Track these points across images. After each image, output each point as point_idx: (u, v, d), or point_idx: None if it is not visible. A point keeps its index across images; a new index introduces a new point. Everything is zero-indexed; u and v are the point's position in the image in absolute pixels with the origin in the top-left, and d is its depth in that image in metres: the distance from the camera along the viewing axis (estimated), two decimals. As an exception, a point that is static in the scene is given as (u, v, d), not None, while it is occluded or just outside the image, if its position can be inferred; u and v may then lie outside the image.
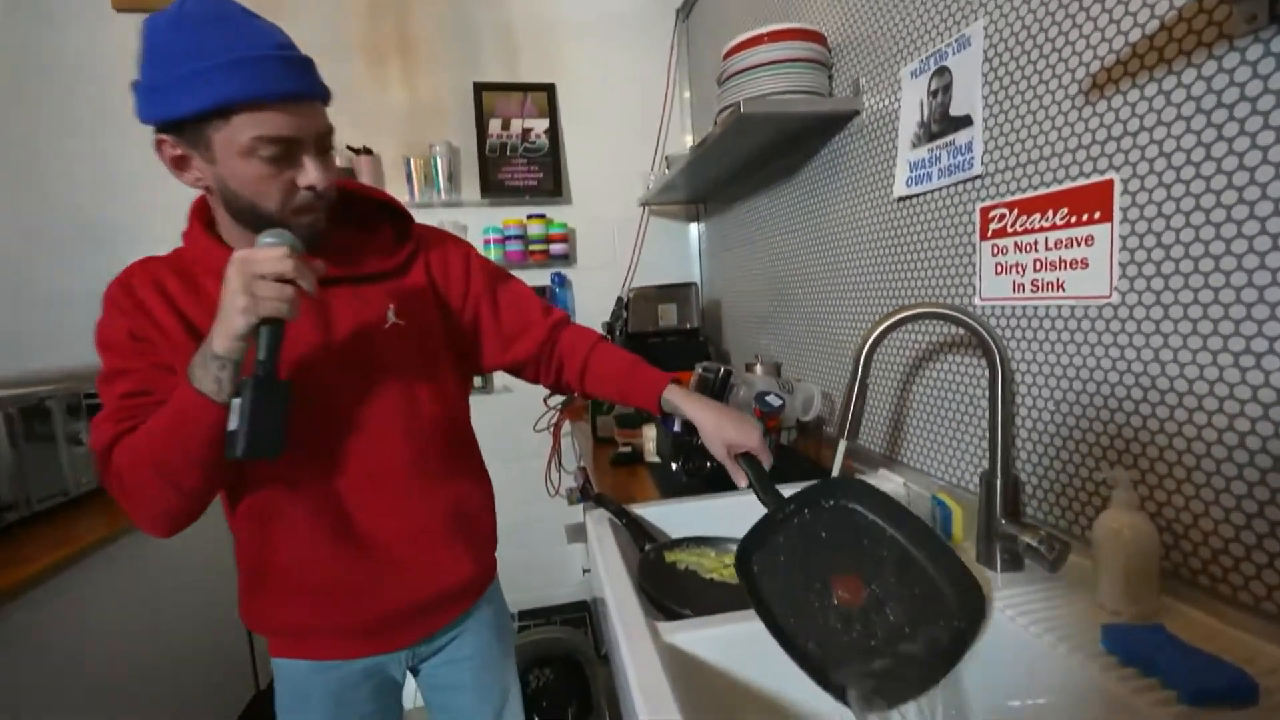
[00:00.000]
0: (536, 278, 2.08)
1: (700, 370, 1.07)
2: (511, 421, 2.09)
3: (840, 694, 0.56)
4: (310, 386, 0.68)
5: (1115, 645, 0.54)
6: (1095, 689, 0.52)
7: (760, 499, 0.72)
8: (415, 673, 0.85)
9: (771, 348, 1.57)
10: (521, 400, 2.09)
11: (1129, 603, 0.60)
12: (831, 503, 0.68)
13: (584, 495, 1.04)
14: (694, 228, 2.22)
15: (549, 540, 2.12)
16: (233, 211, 0.64)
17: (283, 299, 0.56)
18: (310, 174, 0.62)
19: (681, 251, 2.21)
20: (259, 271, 0.56)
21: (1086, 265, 0.68)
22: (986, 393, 0.83)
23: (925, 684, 0.57)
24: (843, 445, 0.78)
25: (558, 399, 2.02)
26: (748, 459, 0.78)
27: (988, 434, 0.71)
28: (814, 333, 1.34)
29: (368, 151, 1.86)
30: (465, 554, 0.79)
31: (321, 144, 0.64)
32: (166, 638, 1.47)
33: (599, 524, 0.95)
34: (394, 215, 0.80)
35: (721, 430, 0.78)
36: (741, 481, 0.77)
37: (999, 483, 0.71)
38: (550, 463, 2.08)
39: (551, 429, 2.04)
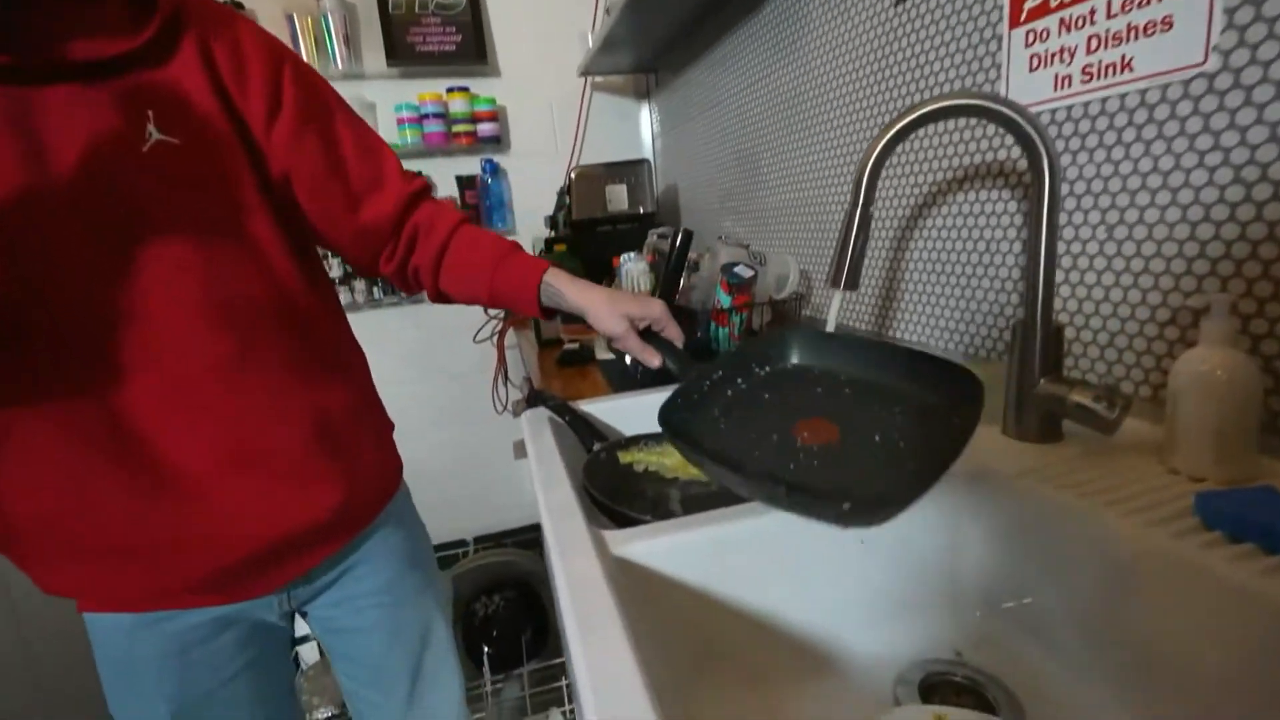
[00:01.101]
0: (464, 166, 1.80)
1: (654, 236, 0.87)
2: (446, 334, 1.87)
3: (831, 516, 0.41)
4: (25, 245, 0.45)
5: (1217, 516, 0.40)
6: (1201, 575, 0.38)
7: (679, 375, 0.60)
8: (304, 614, 0.67)
9: (736, 229, 1.38)
10: (456, 309, 1.87)
11: (1221, 464, 0.45)
12: (766, 369, 0.55)
13: (529, 404, 0.86)
14: (644, 108, 1.95)
15: (499, 461, 1.96)
16: None
17: None
18: None
19: (631, 134, 1.95)
20: None
21: (1170, 25, 0.50)
22: (1016, 223, 0.66)
23: (923, 487, 0.40)
24: (838, 299, 0.60)
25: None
26: (655, 336, 0.66)
27: (1025, 273, 0.55)
28: (786, 202, 1.15)
29: (237, 5, 1.50)
30: (331, 478, 0.58)
31: None
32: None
33: (536, 423, 0.77)
34: None
35: (617, 303, 0.64)
36: (654, 361, 0.65)
37: (1039, 333, 0.55)
38: (496, 378, 1.89)
39: (495, 340, 1.83)
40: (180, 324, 0.49)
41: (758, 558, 0.50)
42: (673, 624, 0.50)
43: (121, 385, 0.48)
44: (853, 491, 0.40)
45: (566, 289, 0.66)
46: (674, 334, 0.66)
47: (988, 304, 0.72)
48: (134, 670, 0.57)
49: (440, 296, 0.70)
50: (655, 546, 0.49)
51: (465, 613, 1.22)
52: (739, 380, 0.55)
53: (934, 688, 0.50)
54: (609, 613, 0.38)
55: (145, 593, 0.54)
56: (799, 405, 0.50)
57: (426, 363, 1.90)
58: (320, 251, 0.66)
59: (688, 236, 0.83)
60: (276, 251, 0.55)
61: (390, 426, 0.71)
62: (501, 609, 1.24)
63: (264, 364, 0.54)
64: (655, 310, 0.65)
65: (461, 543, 1.89)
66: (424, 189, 0.67)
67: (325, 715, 1.04)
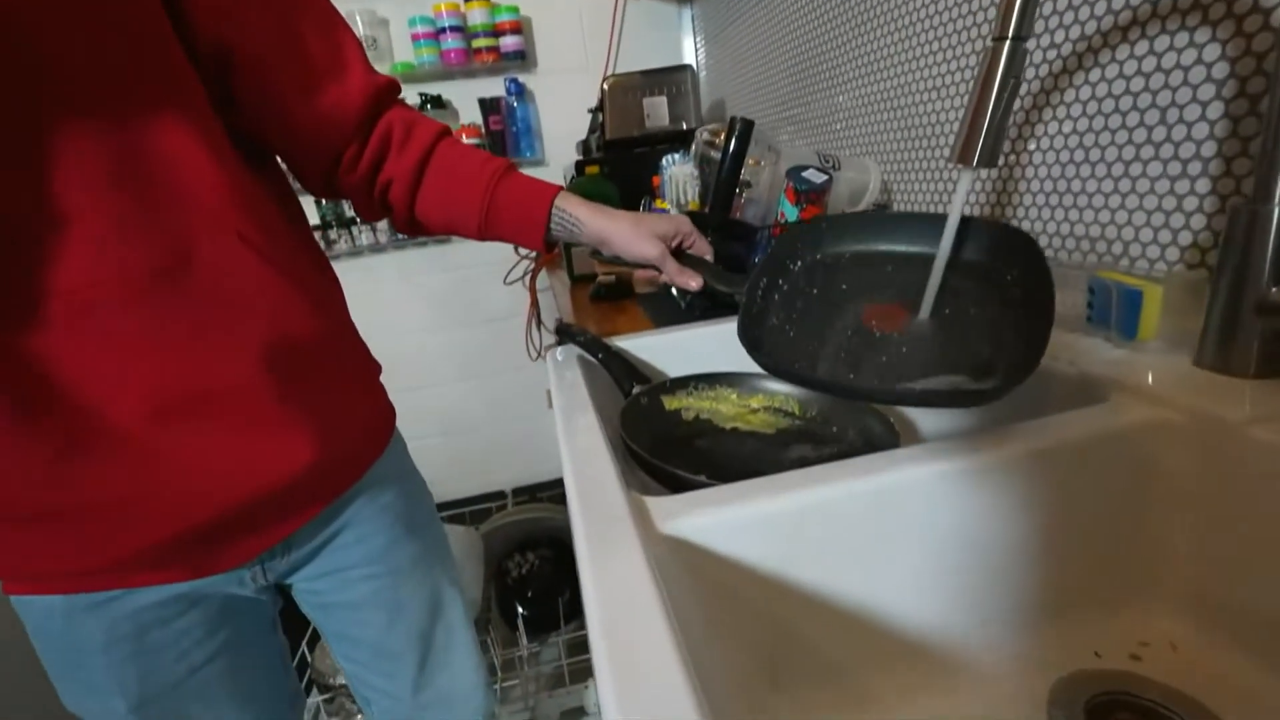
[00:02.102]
0: (487, 87, 1.63)
1: (704, 134, 0.71)
2: (476, 276, 1.76)
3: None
4: None
5: None
6: None
7: (726, 291, 0.58)
8: (288, 587, 0.57)
9: (797, 140, 1.19)
10: (486, 250, 1.75)
11: None
12: (799, 264, 0.52)
13: (557, 342, 0.73)
14: (686, 14, 1.73)
15: (535, 410, 1.87)
16: None
17: None
18: None
19: (671, 46, 1.74)
20: None
21: None
22: (1216, 75, 0.47)
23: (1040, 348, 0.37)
24: (967, 180, 0.44)
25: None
26: (687, 256, 0.62)
27: (1223, 145, 0.38)
28: (861, 99, 0.96)
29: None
30: (300, 426, 0.46)
31: None
32: None
33: (563, 363, 0.64)
34: None
35: (643, 223, 0.59)
36: (694, 283, 0.60)
37: (1277, 214, 0.38)
38: (529, 323, 1.78)
39: (526, 282, 1.70)
40: (92, 225, 0.37)
41: (853, 532, 0.37)
42: (739, 623, 0.37)
43: (17, 312, 0.37)
44: (964, 369, 0.39)
45: (584, 215, 0.58)
46: (703, 248, 0.61)
47: (1156, 197, 0.54)
48: (80, 660, 0.47)
49: (412, 224, 0.58)
50: (717, 520, 0.36)
51: (497, 571, 1.14)
52: (780, 283, 0.52)
53: (1105, 710, 0.37)
54: (661, 637, 0.25)
55: (77, 569, 0.44)
56: (852, 292, 0.49)
57: (456, 307, 1.80)
58: None
59: (747, 127, 0.66)
60: (218, 129, 0.43)
61: (377, 369, 0.59)
62: (536, 568, 1.16)
63: (204, 278, 0.41)
64: (685, 225, 0.60)
65: (499, 495, 1.83)
66: (395, 85, 0.55)
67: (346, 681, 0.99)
